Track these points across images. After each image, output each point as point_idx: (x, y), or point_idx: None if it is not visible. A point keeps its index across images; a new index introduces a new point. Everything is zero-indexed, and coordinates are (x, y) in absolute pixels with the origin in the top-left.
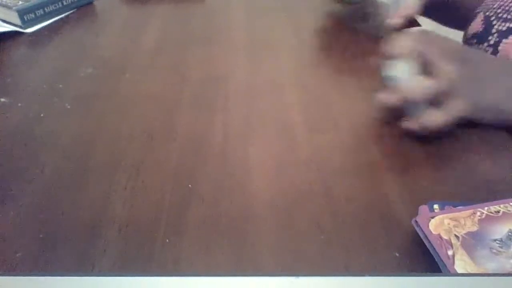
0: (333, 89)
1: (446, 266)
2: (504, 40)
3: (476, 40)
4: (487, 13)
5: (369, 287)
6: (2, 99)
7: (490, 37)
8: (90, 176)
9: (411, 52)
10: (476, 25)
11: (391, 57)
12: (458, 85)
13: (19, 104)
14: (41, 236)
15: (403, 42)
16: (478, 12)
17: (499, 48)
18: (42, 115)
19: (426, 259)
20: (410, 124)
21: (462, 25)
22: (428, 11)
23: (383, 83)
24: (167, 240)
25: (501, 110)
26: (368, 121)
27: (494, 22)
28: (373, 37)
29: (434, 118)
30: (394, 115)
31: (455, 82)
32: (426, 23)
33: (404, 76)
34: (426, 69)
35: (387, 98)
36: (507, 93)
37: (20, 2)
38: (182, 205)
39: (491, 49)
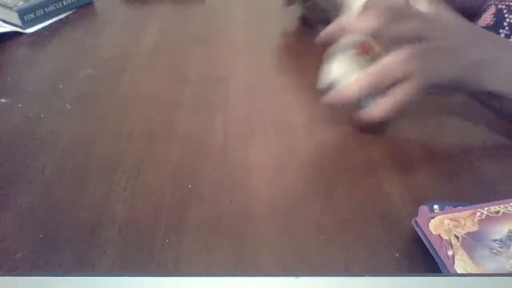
0: None
1: (446, 266)
2: None
3: None
4: (499, 6)
5: (369, 287)
6: (2, 99)
7: (501, 30)
8: (90, 176)
9: (365, 33)
10: (487, 18)
11: (327, 58)
12: (412, 64)
13: (19, 104)
14: (41, 236)
15: (359, 23)
16: (490, 5)
17: (511, 41)
18: (42, 115)
19: (426, 259)
20: (361, 117)
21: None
22: None
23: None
24: (167, 240)
25: (462, 84)
26: (368, 121)
27: (507, 15)
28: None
29: (379, 107)
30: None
31: (405, 65)
32: None
33: (341, 77)
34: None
35: (332, 101)
36: (469, 67)
37: (20, 2)
38: (182, 205)
39: None
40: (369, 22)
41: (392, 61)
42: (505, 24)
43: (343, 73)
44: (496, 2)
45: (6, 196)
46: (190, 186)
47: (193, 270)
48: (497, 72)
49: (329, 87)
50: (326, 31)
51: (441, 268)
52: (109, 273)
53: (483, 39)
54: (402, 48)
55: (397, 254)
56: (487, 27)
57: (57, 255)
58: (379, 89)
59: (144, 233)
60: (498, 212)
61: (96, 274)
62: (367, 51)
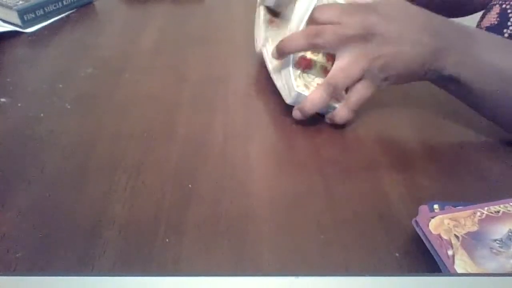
0: None
1: (446, 266)
2: None
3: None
4: (504, 6)
5: (369, 287)
6: (2, 99)
7: (505, 30)
8: (90, 176)
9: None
10: (491, 18)
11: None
12: (362, 64)
13: (19, 104)
14: (41, 236)
15: (292, 43)
16: (494, 5)
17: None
18: (42, 115)
19: (426, 259)
20: (329, 120)
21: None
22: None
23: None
24: (167, 240)
25: (416, 73)
26: (368, 121)
27: (511, 15)
28: None
29: (340, 113)
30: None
31: (355, 67)
32: None
33: (301, 92)
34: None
35: (299, 118)
36: (419, 56)
37: (20, 2)
38: (182, 205)
39: None
40: (303, 39)
41: (342, 68)
42: (509, 24)
43: (301, 87)
44: (501, 2)
45: (6, 196)
46: (190, 186)
47: (193, 270)
48: (449, 58)
49: (295, 102)
50: (272, 53)
51: (441, 268)
52: (109, 273)
53: (432, 25)
54: (348, 50)
55: (397, 254)
56: (491, 27)
57: (57, 255)
58: (338, 94)
59: (144, 233)
60: (498, 212)
61: (96, 274)
62: (309, 67)
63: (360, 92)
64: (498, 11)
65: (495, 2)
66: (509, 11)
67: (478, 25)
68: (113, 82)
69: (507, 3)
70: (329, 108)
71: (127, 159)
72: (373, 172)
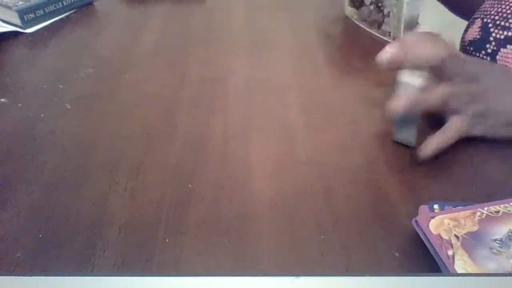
0: (333, 89)
1: (446, 266)
2: (502, 50)
3: (473, 47)
4: (485, 20)
5: (369, 287)
6: (2, 99)
7: (487, 45)
8: (90, 176)
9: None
10: (473, 32)
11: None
12: (464, 100)
13: (19, 104)
14: (41, 236)
15: (423, 50)
16: (476, 18)
17: (497, 57)
18: (42, 115)
19: (426, 259)
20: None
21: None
22: None
23: (394, 88)
24: (167, 240)
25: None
26: (368, 121)
27: (492, 30)
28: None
29: (429, 146)
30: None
31: (459, 99)
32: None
33: (417, 83)
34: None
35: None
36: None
37: (20, 2)
38: (182, 205)
39: (488, 58)
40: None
41: (449, 90)
42: (491, 39)
43: (419, 81)
44: (482, 16)
45: (6, 196)
46: (190, 186)
47: (193, 270)
48: None
49: (403, 87)
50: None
51: (441, 268)
52: (109, 273)
53: None
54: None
55: (397, 254)
56: (474, 41)
57: (57, 255)
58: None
59: (144, 233)
60: (498, 212)
61: (96, 274)
62: None
63: (449, 131)
64: (480, 24)
65: (477, 16)
66: (490, 25)
67: (462, 38)
68: (113, 82)
69: (488, 17)
70: (411, 124)
71: (127, 159)
72: (373, 172)
